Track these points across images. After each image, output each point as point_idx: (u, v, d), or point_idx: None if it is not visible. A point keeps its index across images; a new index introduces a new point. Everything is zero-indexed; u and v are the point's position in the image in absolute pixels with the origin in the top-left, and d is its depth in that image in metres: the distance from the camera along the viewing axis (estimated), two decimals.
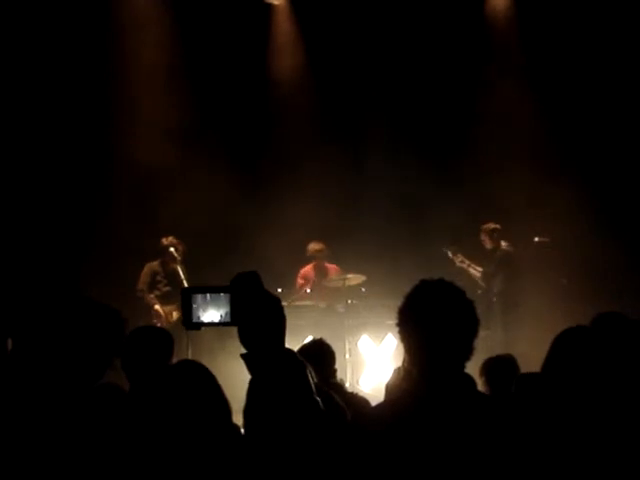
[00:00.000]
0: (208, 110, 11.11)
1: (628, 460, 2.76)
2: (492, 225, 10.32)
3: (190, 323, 2.44)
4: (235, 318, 2.36)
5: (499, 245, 10.28)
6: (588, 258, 10.35)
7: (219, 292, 2.39)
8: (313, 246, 10.42)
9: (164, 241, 9.76)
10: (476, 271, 10.32)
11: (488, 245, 10.35)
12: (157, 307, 9.67)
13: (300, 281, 10.41)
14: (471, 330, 2.67)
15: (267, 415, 2.20)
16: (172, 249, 9.67)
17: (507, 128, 11.15)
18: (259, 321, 2.21)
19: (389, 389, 4.39)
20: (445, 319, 2.63)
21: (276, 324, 2.22)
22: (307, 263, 10.52)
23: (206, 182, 10.34)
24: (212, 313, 2.40)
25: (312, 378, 2.28)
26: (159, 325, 8.87)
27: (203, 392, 2.78)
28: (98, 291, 8.93)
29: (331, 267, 10.48)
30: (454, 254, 10.46)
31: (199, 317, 2.42)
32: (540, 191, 10.45)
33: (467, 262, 10.38)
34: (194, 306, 2.42)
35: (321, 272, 10.42)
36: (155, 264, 9.83)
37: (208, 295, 2.41)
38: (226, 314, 2.39)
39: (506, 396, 4.16)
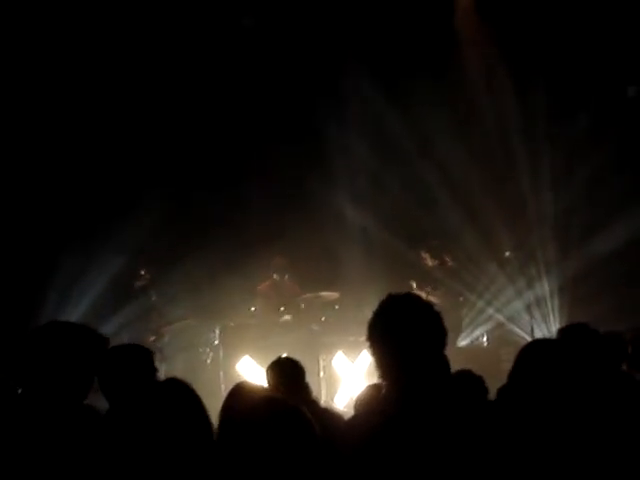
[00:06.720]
0: None
1: (593, 468, 2.82)
2: (433, 243, 10.52)
3: None
4: None
5: (443, 262, 10.40)
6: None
7: None
8: (279, 261, 10.34)
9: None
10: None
11: (430, 262, 10.45)
12: None
13: (261, 299, 10.26)
14: (439, 342, 2.71)
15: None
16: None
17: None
18: None
19: (357, 404, 4.41)
20: (413, 332, 2.67)
21: None
22: (264, 280, 10.43)
23: None
24: None
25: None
26: None
27: (187, 414, 2.74)
28: None
29: (290, 284, 10.36)
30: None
31: None
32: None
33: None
34: None
35: (280, 290, 10.27)
36: None
37: None
38: None
39: (482, 408, 4.19)
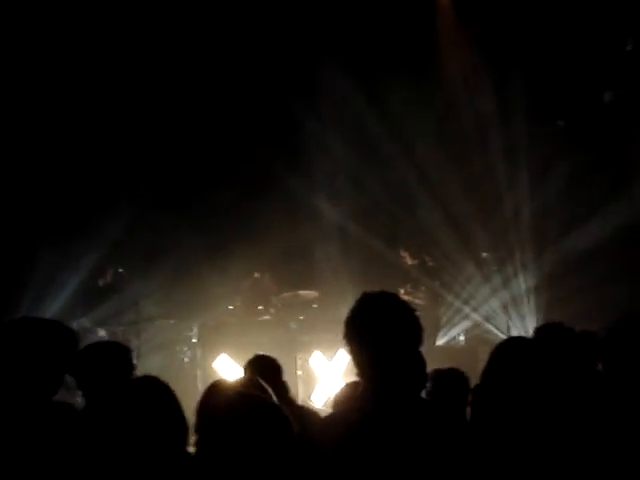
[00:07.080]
0: None
1: (568, 467, 2.84)
2: (412, 242, 10.69)
3: None
4: None
5: (423, 261, 10.47)
6: None
7: None
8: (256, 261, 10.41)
9: None
10: None
11: (409, 261, 10.51)
12: None
13: (240, 297, 10.30)
14: (415, 340, 2.72)
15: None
16: None
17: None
18: None
19: (335, 402, 4.42)
20: (388, 330, 2.67)
21: None
22: (243, 278, 10.46)
23: None
24: None
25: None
26: None
27: (161, 411, 2.73)
28: None
29: (270, 284, 10.41)
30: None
31: None
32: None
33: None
34: None
35: (260, 289, 10.31)
36: None
37: None
38: None
39: (456, 406, 4.22)
